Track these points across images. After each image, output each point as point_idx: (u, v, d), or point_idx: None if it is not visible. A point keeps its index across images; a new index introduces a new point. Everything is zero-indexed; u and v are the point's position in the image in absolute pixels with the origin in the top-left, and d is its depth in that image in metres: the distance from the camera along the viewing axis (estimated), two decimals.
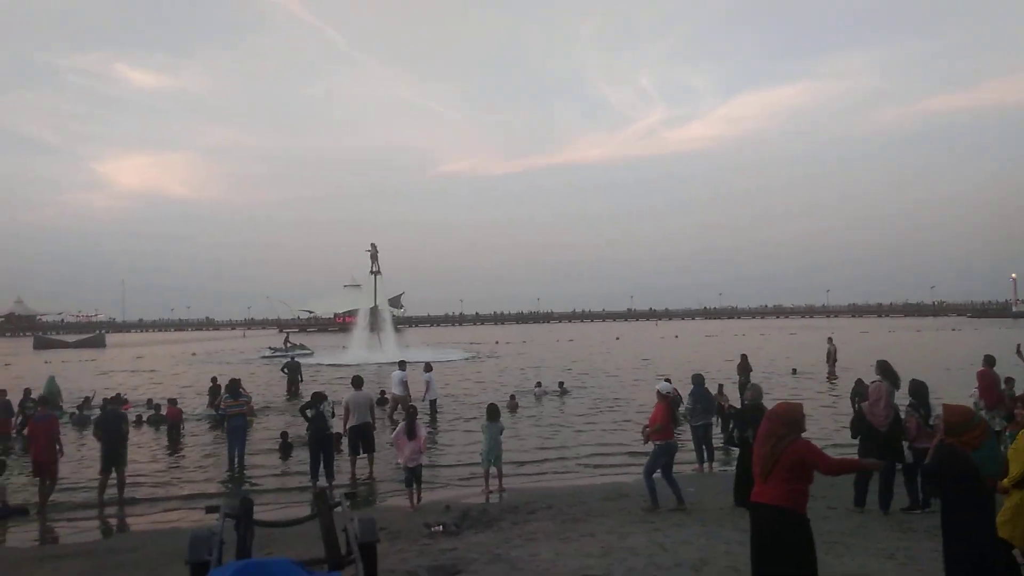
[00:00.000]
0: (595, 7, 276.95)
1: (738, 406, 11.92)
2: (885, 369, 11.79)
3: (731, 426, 9.43)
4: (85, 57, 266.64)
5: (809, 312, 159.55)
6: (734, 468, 12.56)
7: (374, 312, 52.96)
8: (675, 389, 10.46)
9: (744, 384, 21.17)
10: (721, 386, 13.16)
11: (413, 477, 10.90)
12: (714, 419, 13.12)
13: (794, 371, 29.56)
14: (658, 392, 10.05)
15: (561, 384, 25.36)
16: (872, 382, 9.41)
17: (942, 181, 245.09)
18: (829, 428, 16.21)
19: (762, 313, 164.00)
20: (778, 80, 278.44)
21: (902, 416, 9.19)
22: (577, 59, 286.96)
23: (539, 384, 24.90)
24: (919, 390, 9.37)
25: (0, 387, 19.09)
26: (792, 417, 5.44)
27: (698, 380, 12.61)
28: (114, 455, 12.03)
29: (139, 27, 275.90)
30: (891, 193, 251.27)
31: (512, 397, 21.67)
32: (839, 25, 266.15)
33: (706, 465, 12.50)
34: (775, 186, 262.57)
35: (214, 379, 21.95)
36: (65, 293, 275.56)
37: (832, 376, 28.01)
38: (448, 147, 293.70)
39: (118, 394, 13.33)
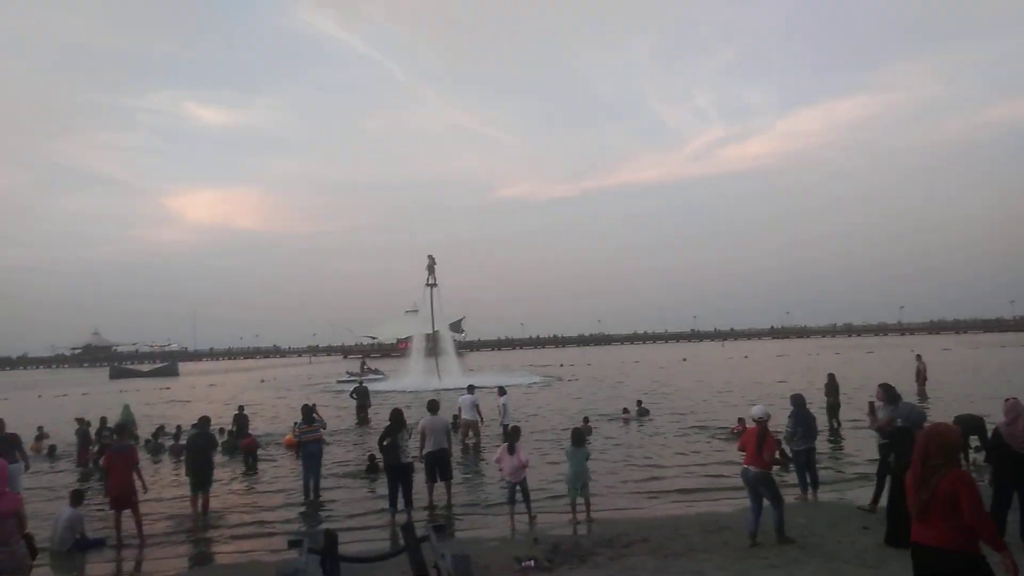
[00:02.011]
0: (646, 25, 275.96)
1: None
2: (889, 392, 10.75)
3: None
4: (156, 96, 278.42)
5: (882, 330, 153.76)
6: (842, 496, 11.65)
7: (434, 337, 51.68)
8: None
9: (834, 405, 20.01)
10: (872, 403, 11.89)
11: (516, 493, 10.86)
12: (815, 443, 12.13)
13: None
14: (752, 418, 9.33)
15: (639, 403, 24.43)
16: (1007, 399, 8.43)
17: (1015, 189, 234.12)
18: None
19: (832, 332, 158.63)
20: (836, 93, 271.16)
21: None
22: (631, 78, 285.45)
23: (626, 410, 24.06)
24: None
25: (77, 416, 19.26)
26: (948, 442, 4.73)
27: (799, 400, 11.68)
28: (203, 478, 12.37)
29: (207, 67, 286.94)
30: (962, 203, 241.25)
31: (585, 420, 20.92)
32: (896, 36, 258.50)
33: (810, 493, 11.55)
34: (838, 201, 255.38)
35: (241, 408, 21.28)
36: (139, 324, 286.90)
37: (923, 396, 26.42)
38: (506, 171, 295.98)
39: (207, 416, 13.29)
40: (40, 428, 22.48)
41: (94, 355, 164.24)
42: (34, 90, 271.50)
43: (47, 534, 10.66)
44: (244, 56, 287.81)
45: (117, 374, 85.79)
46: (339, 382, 49.61)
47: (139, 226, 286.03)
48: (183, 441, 20.31)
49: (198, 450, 12.54)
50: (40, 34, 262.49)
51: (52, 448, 20.50)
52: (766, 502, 8.93)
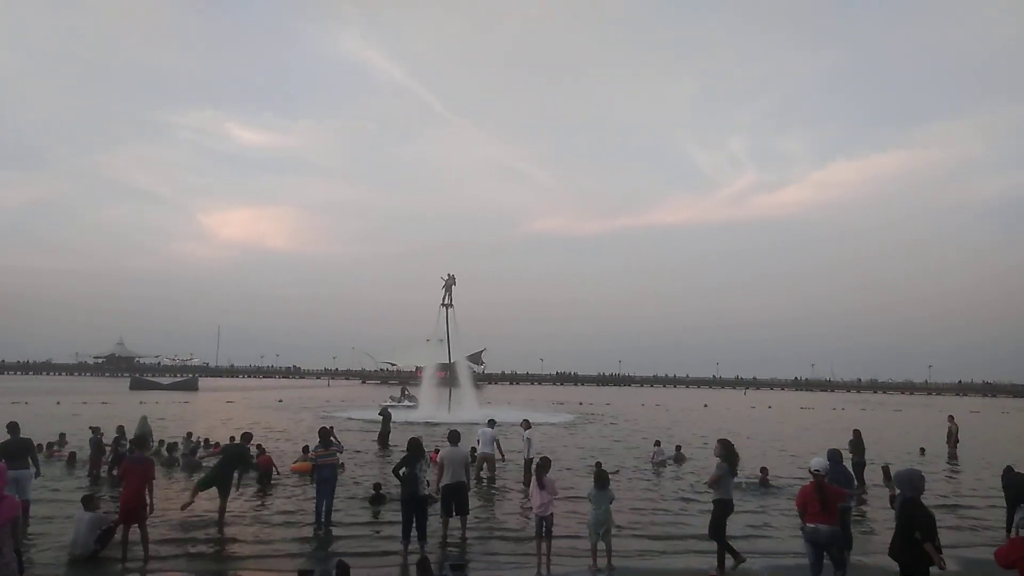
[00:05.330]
0: (686, 71, 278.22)
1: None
2: (727, 449, 10.32)
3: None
4: (199, 115, 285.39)
5: (908, 388, 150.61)
6: (865, 558, 11.05)
7: (449, 365, 48.68)
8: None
9: (859, 464, 19.17)
10: (887, 468, 10.71)
11: (544, 527, 10.48)
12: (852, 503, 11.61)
13: (923, 451, 27.05)
14: (809, 469, 8.92)
15: (678, 448, 23.73)
16: None
17: None
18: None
19: (857, 387, 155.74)
20: (876, 147, 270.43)
21: None
22: (666, 122, 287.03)
23: (657, 443, 23.23)
24: None
25: (93, 425, 19.19)
26: None
27: (835, 457, 11.17)
28: (221, 485, 13.03)
29: (251, 90, 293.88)
30: (997, 261, 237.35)
31: (598, 464, 20.24)
32: (940, 93, 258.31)
33: (846, 554, 10.98)
34: (871, 254, 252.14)
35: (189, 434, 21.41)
36: (165, 337, 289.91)
37: (953, 458, 25.58)
38: (536, 207, 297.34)
39: (249, 433, 15.05)
40: (62, 435, 22.53)
41: (116, 365, 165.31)
42: (83, 102, 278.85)
43: (63, 539, 10.79)
44: (287, 81, 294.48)
45: (137, 385, 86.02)
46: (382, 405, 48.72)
47: (173, 240, 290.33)
48: (198, 455, 20.25)
49: (231, 460, 13.51)
50: (92, 48, 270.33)
51: (72, 455, 20.40)
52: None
